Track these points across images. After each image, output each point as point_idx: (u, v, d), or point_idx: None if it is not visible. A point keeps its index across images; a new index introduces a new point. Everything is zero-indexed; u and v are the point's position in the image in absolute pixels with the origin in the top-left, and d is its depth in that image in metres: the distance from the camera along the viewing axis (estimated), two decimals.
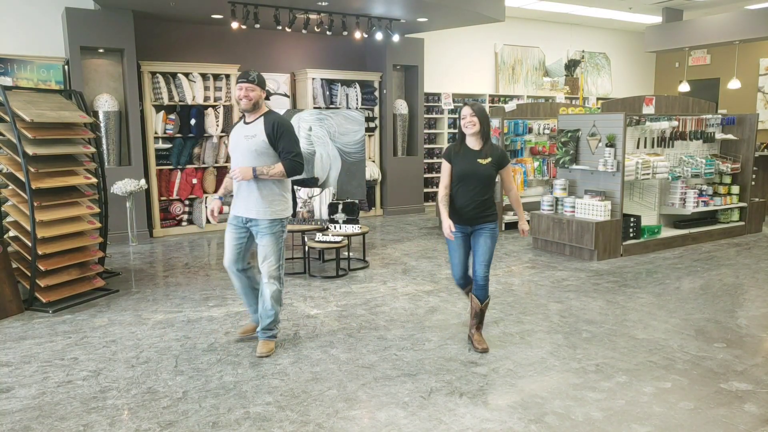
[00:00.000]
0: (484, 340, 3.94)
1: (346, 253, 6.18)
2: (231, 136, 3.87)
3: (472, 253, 3.88)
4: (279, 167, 3.70)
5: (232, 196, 3.91)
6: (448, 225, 3.75)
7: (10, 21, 7.27)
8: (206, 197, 8.27)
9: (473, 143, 3.85)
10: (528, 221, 3.90)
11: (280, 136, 3.70)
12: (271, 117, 3.77)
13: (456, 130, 9.78)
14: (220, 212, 3.90)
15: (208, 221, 8.28)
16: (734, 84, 11.39)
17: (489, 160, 3.80)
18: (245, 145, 3.73)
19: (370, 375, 3.54)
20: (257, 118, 3.77)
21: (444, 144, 10.69)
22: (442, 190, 3.92)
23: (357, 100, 9.38)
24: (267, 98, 4.16)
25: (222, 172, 8.42)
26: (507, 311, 4.73)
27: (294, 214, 6.24)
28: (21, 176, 4.67)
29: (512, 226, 8.38)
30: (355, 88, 9.39)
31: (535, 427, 2.93)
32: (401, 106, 9.94)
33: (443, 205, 3.87)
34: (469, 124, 3.79)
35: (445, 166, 3.93)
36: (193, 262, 6.52)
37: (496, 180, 3.89)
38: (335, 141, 6.55)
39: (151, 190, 7.89)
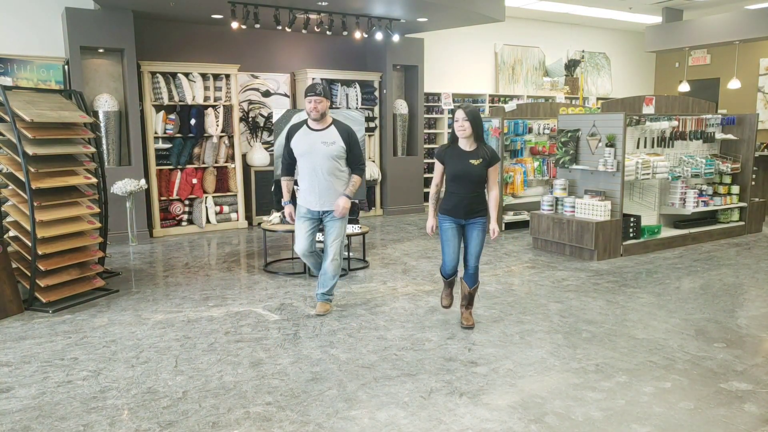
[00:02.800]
0: (471, 318, 4.35)
1: (346, 253, 6.18)
2: (298, 141, 4.47)
3: (465, 245, 4.24)
4: (357, 179, 4.55)
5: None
6: (431, 224, 4.28)
7: (10, 21, 7.27)
8: (206, 197, 8.27)
9: (465, 145, 4.09)
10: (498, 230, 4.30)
11: (354, 144, 4.52)
12: (343, 126, 4.50)
13: None
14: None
15: (208, 221, 8.29)
16: (734, 84, 11.39)
17: (480, 161, 4.05)
18: (325, 150, 4.41)
19: (370, 375, 3.54)
20: (328, 126, 4.46)
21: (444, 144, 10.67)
22: (433, 188, 4.27)
23: (357, 100, 9.38)
24: (330, 107, 4.74)
25: (222, 171, 8.43)
26: (507, 311, 4.73)
27: None
28: (21, 176, 4.67)
29: (511, 226, 8.37)
30: (355, 88, 9.39)
31: (535, 427, 2.93)
32: (401, 106, 9.94)
33: (431, 203, 4.29)
34: (461, 129, 4.01)
35: (438, 167, 4.22)
36: (193, 262, 6.52)
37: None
38: None
39: (151, 190, 7.89)
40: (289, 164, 4.63)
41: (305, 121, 4.53)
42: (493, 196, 4.18)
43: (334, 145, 4.42)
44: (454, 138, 4.13)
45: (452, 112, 4.10)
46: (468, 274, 4.27)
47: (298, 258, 6.50)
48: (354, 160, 4.55)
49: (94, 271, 5.23)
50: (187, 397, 3.26)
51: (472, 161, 4.04)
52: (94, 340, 4.16)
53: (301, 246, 4.61)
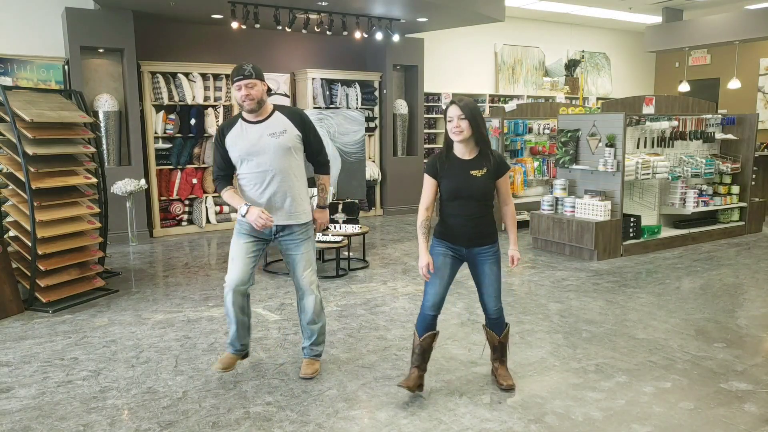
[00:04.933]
0: (509, 375, 3.38)
1: (346, 253, 6.18)
2: (235, 140, 3.31)
3: (477, 284, 3.28)
4: (327, 181, 3.59)
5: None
6: (426, 263, 3.08)
7: (10, 21, 7.26)
8: (206, 197, 8.27)
9: (464, 152, 3.12)
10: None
11: (310, 131, 3.42)
12: (292, 110, 3.45)
13: None
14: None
15: (208, 221, 8.29)
16: (734, 84, 11.39)
17: (485, 170, 3.09)
18: (275, 143, 3.28)
19: (370, 375, 3.54)
20: (270, 115, 3.35)
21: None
22: (423, 213, 3.15)
23: (357, 100, 9.38)
24: (269, 91, 3.78)
25: None
26: (507, 311, 4.71)
27: None
28: (21, 176, 4.67)
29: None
30: (355, 88, 9.39)
31: (535, 427, 2.93)
32: (401, 106, 9.94)
33: (422, 233, 3.12)
34: (456, 131, 3.04)
35: (429, 183, 3.15)
36: (193, 262, 6.52)
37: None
38: (335, 141, 6.55)
39: (151, 190, 7.89)
40: (226, 175, 3.40)
41: (239, 115, 3.38)
42: (509, 214, 3.25)
43: (286, 135, 3.31)
44: (448, 144, 3.14)
45: (443, 111, 3.14)
46: (492, 320, 3.33)
47: None
48: (313, 152, 3.47)
49: (94, 271, 5.23)
50: (187, 397, 3.27)
51: (475, 173, 3.08)
52: (94, 340, 4.16)
53: (236, 275, 3.33)
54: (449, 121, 3.05)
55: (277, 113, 3.36)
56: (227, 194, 3.37)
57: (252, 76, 3.25)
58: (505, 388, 3.32)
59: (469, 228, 3.14)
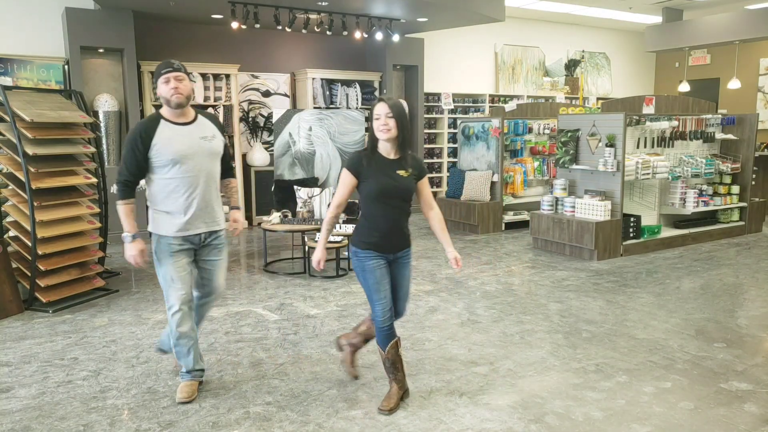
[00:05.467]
0: (393, 395, 3.17)
1: (346, 253, 6.18)
2: (169, 141, 3.08)
3: (393, 287, 3.14)
4: (236, 183, 3.60)
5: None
6: (320, 257, 3.08)
7: (10, 21, 7.26)
8: None
9: (389, 151, 3.03)
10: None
11: (225, 137, 3.40)
12: (212, 116, 3.37)
13: (456, 130, 9.81)
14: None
15: None
16: (734, 84, 11.39)
17: (410, 171, 3.03)
18: (207, 147, 3.19)
19: (370, 375, 3.54)
20: (196, 118, 3.23)
21: (444, 144, 10.69)
22: (333, 210, 3.08)
23: (357, 100, 9.38)
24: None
25: None
26: (507, 311, 4.73)
27: (294, 214, 6.24)
28: (21, 176, 4.67)
29: (511, 226, 8.36)
30: (355, 88, 9.39)
31: (535, 427, 2.93)
32: None
33: (327, 229, 3.10)
34: (383, 128, 2.95)
35: (350, 180, 3.02)
36: None
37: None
38: (335, 141, 6.55)
39: None
40: (134, 182, 3.12)
41: (158, 116, 3.15)
42: (437, 218, 3.17)
43: (216, 140, 3.24)
44: (373, 143, 3.03)
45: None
46: (390, 326, 3.14)
47: (298, 258, 6.51)
48: (227, 156, 3.43)
49: (94, 271, 5.23)
50: None
51: (401, 173, 3.01)
52: (94, 340, 4.16)
53: (183, 294, 3.18)
54: (376, 119, 2.96)
55: (201, 117, 3.25)
56: (127, 208, 3.10)
57: (181, 69, 3.11)
58: (384, 411, 3.10)
59: (395, 231, 3.06)
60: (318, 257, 3.07)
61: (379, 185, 2.98)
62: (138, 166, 3.08)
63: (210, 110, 8.15)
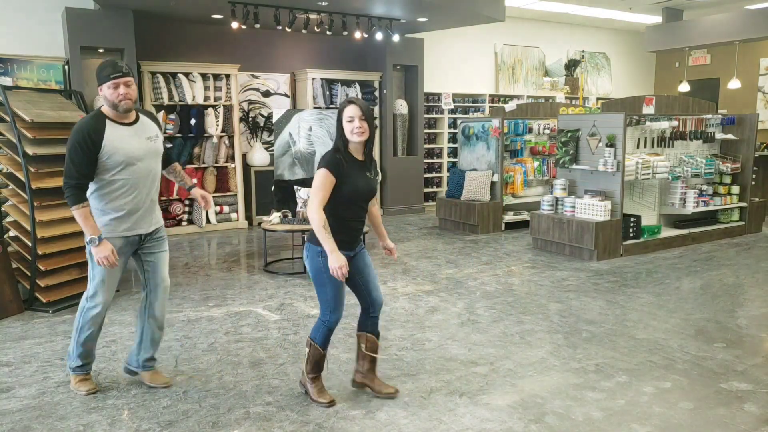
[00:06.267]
0: (386, 385, 3.28)
1: None
2: (125, 143, 3.05)
3: (364, 282, 3.13)
4: (179, 165, 3.60)
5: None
6: (343, 262, 2.87)
7: (10, 21, 7.27)
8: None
9: (357, 152, 3.00)
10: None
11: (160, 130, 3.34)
12: (151, 114, 3.35)
13: (456, 130, 9.81)
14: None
15: (208, 221, 8.29)
16: (734, 84, 11.39)
17: (373, 172, 3.09)
18: (153, 148, 3.19)
19: None
20: (138, 117, 3.19)
21: (444, 144, 10.69)
22: (321, 212, 2.88)
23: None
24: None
25: (222, 171, 8.42)
26: (507, 311, 4.73)
27: (294, 214, 6.24)
28: (21, 176, 4.68)
29: (511, 226, 8.37)
30: (355, 88, 9.39)
31: (535, 427, 2.93)
32: (401, 106, 9.94)
33: (327, 233, 2.88)
34: (359, 131, 2.91)
35: (328, 181, 2.89)
36: (193, 262, 6.52)
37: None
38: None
39: None
40: (85, 185, 3.03)
41: (102, 115, 3.07)
42: (377, 213, 3.29)
43: (159, 140, 3.26)
44: (344, 144, 2.97)
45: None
46: (374, 319, 3.20)
47: (298, 257, 6.50)
48: (167, 150, 3.43)
49: None
50: (187, 397, 3.27)
51: (369, 174, 3.04)
52: None
53: (109, 296, 3.25)
54: (349, 121, 2.91)
55: (142, 116, 3.21)
56: (85, 211, 3.00)
57: (130, 73, 3.05)
58: (386, 395, 3.22)
59: (360, 230, 3.10)
60: (341, 262, 2.86)
61: (354, 188, 2.95)
62: (90, 167, 2.99)
63: (210, 110, 8.15)
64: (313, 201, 2.90)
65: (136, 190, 3.13)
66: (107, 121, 3.05)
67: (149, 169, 3.17)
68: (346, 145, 2.97)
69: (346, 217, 3.00)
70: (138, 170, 3.11)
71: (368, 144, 3.01)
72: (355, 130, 2.91)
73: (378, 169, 3.16)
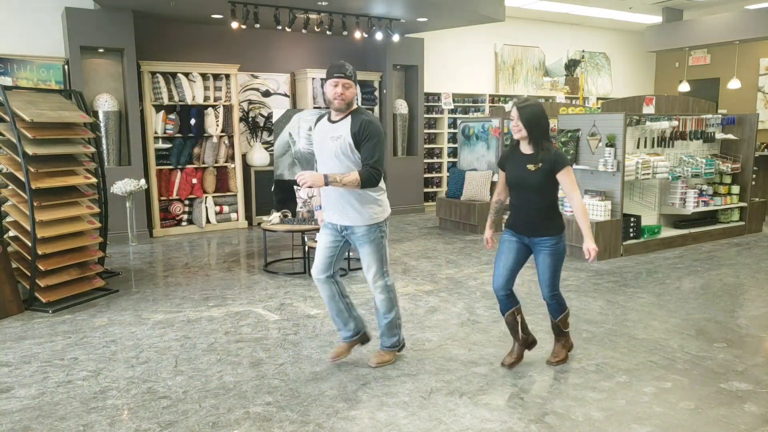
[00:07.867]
0: (561, 351, 3.72)
1: (346, 253, 6.17)
2: (316, 135, 3.45)
3: (537, 271, 3.63)
4: (354, 176, 3.25)
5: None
6: (487, 236, 3.84)
7: (10, 21, 7.26)
8: (206, 197, 8.27)
9: (525, 147, 3.45)
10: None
11: (366, 138, 3.28)
12: (360, 116, 3.34)
13: (456, 130, 9.81)
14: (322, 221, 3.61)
15: (208, 221, 8.29)
16: (734, 84, 11.39)
17: (538, 166, 3.37)
18: (330, 147, 3.33)
19: (370, 375, 3.54)
20: (345, 117, 3.34)
21: (444, 144, 10.71)
22: (494, 196, 3.78)
23: (357, 100, 9.38)
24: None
25: (222, 171, 8.43)
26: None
27: (294, 214, 6.24)
28: (21, 176, 4.67)
29: None
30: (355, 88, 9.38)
31: (535, 427, 2.93)
32: (401, 106, 9.93)
33: (490, 213, 3.83)
34: (515, 129, 3.40)
35: (501, 174, 3.64)
36: (193, 262, 6.52)
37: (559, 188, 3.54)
38: None
39: (150, 190, 7.89)
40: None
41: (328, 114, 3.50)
42: (575, 207, 3.46)
43: (339, 141, 3.47)
44: (515, 141, 3.52)
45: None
46: (548, 305, 3.66)
47: (298, 258, 6.51)
48: (363, 158, 3.61)
49: (93, 271, 5.23)
50: (187, 397, 3.26)
51: (529, 167, 3.37)
52: (94, 340, 4.16)
53: (315, 265, 3.68)
54: (511, 120, 3.39)
55: (347, 118, 3.41)
56: None
57: (352, 77, 3.35)
58: (552, 363, 3.67)
59: (525, 218, 3.59)
60: (486, 235, 3.86)
61: (509, 177, 3.53)
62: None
63: (210, 110, 8.15)
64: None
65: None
66: (326, 117, 3.50)
67: (323, 165, 3.44)
68: (518, 141, 3.49)
69: (511, 202, 3.67)
70: (321, 166, 3.47)
71: (537, 139, 3.39)
72: (512, 129, 3.41)
73: (556, 159, 3.39)
